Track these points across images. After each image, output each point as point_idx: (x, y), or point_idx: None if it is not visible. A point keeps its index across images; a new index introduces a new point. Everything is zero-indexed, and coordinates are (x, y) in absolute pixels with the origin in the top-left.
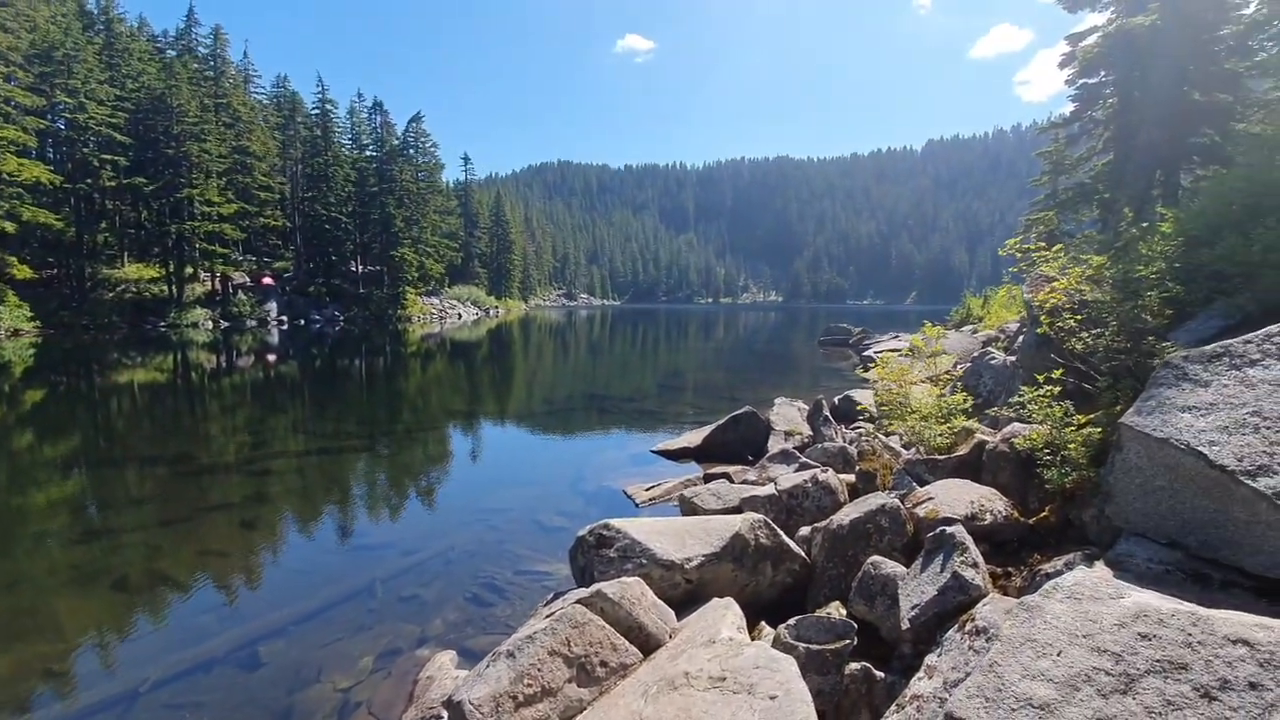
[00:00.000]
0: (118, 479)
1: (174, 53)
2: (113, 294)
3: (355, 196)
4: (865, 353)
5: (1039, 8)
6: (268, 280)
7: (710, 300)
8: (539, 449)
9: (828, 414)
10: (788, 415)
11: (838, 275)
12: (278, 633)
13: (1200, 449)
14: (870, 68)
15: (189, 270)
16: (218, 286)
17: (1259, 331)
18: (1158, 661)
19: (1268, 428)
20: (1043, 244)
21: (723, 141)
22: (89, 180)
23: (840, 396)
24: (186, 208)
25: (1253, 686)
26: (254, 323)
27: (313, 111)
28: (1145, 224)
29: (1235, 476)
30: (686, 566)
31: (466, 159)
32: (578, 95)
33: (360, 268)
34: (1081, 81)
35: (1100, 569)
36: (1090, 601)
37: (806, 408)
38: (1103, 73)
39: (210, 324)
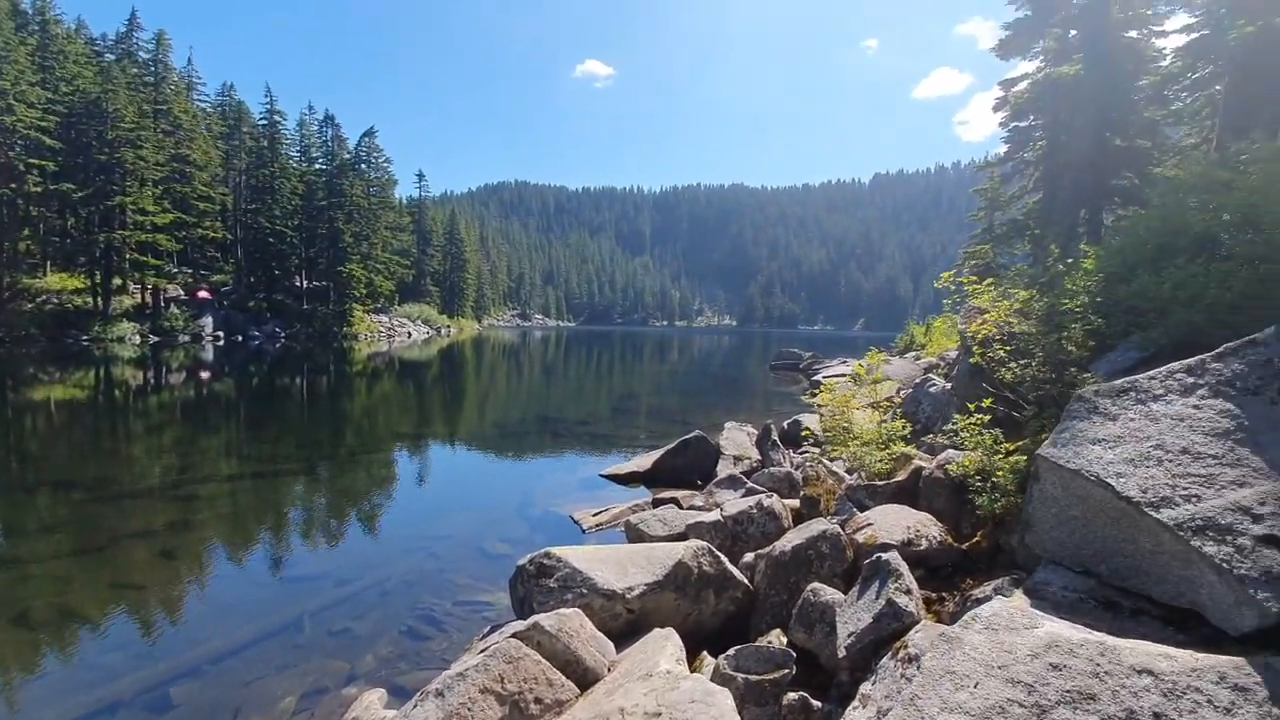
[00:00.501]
0: (27, 504)
1: (113, 57)
2: (32, 305)
3: (302, 210)
4: (815, 377)
5: (977, 54)
6: (204, 294)
7: (665, 323)
8: (487, 473)
9: (776, 439)
10: (737, 440)
11: (790, 301)
12: (193, 672)
13: (1109, 480)
14: (821, 103)
15: (117, 281)
16: (148, 299)
17: (1163, 368)
18: (1068, 692)
19: (1170, 461)
20: (974, 277)
21: (679, 167)
22: (13, 185)
23: (789, 421)
24: (118, 216)
25: (1156, 717)
26: (186, 338)
27: (260, 122)
28: (1070, 260)
29: (1140, 508)
30: (628, 596)
31: (421, 175)
32: (537, 118)
33: (305, 283)
34: (1013, 124)
35: (1018, 598)
36: (1006, 632)
37: (756, 432)
38: (1032, 117)
39: (138, 338)
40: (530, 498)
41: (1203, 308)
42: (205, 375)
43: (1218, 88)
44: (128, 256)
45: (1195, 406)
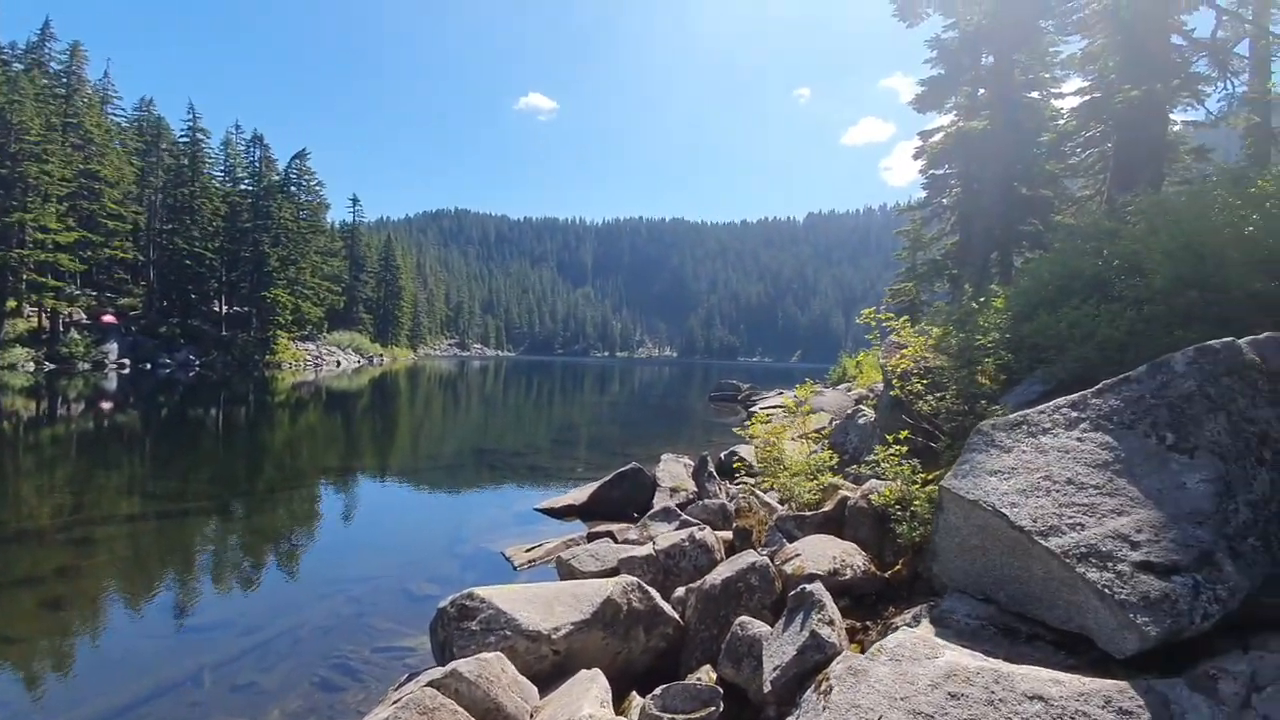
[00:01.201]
0: None
1: (21, 66)
2: None
3: (224, 231)
4: (753, 408)
5: (899, 106)
6: (109, 318)
7: (607, 354)
8: (416, 508)
9: (712, 470)
10: (674, 471)
11: (729, 333)
12: None
13: (1003, 510)
14: (758, 144)
15: (12, 304)
16: (46, 323)
17: (1050, 402)
18: None
19: (1057, 491)
20: (891, 314)
21: (621, 200)
22: None
23: (726, 452)
24: (16, 234)
25: None
26: (87, 365)
27: (181, 139)
28: (982, 299)
29: (1031, 536)
30: (553, 636)
31: (355, 200)
32: (478, 148)
33: (225, 308)
34: (931, 172)
35: (925, 627)
36: (909, 663)
37: (693, 463)
38: (947, 166)
39: (31, 365)
40: (461, 534)
41: (1095, 345)
42: (107, 406)
43: (1108, 144)
44: (25, 277)
45: (1079, 439)
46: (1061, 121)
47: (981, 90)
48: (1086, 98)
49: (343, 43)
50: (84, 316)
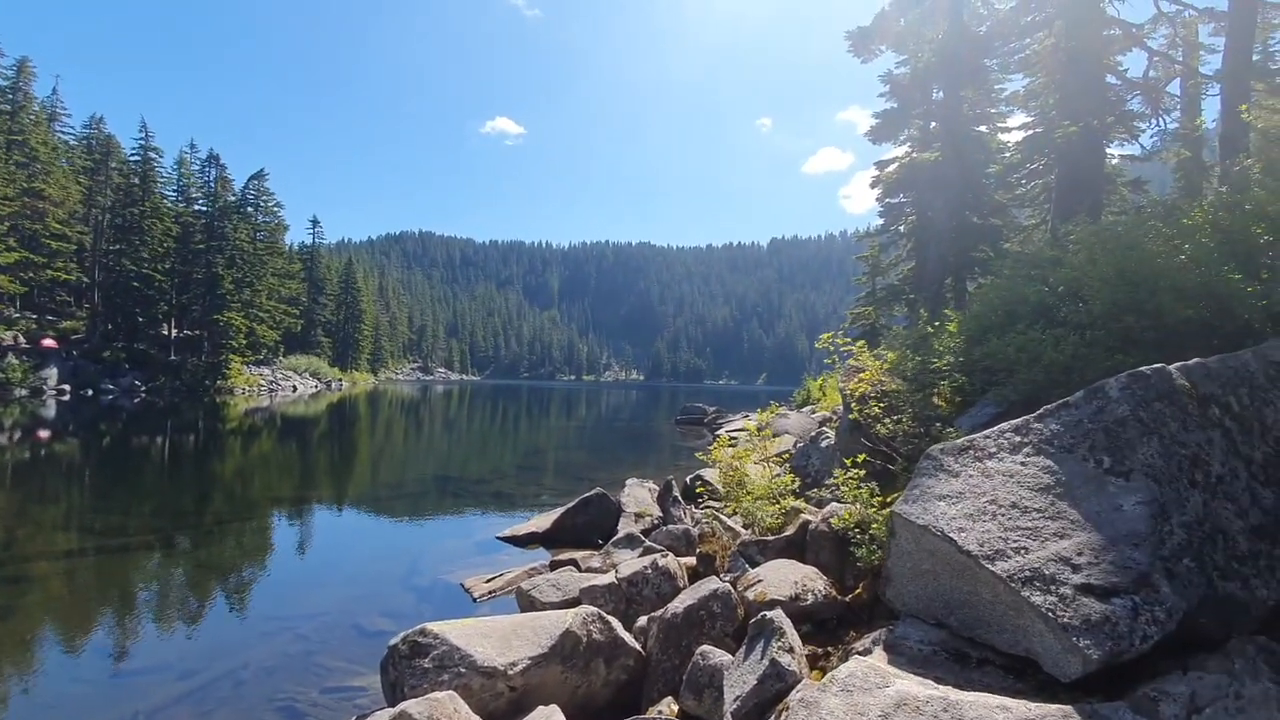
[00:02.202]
0: None
1: None
2: None
3: (176, 253)
4: (719, 431)
5: (856, 137)
6: (49, 342)
7: (573, 377)
8: (372, 539)
9: (677, 495)
10: (639, 496)
11: (696, 356)
12: None
13: (952, 535)
14: (723, 171)
15: None
16: None
17: (996, 427)
18: None
19: (1002, 515)
20: (847, 339)
21: (588, 224)
22: None
23: (692, 476)
24: None
25: None
26: (24, 392)
27: (132, 158)
28: (937, 323)
29: (979, 561)
30: (510, 672)
31: (315, 221)
32: (443, 170)
33: (174, 332)
34: (887, 200)
35: (878, 654)
36: (860, 693)
37: (658, 488)
38: (902, 195)
39: None
40: (419, 565)
41: (1042, 368)
42: (43, 434)
43: (1051, 176)
44: None
45: (1022, 464)
46: (1008, 154)
47: (933, 123)
48: (1030, 132)
49: (305, 64)
50: (23, 340)
